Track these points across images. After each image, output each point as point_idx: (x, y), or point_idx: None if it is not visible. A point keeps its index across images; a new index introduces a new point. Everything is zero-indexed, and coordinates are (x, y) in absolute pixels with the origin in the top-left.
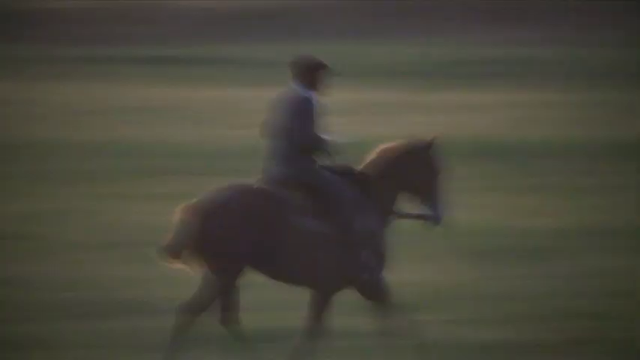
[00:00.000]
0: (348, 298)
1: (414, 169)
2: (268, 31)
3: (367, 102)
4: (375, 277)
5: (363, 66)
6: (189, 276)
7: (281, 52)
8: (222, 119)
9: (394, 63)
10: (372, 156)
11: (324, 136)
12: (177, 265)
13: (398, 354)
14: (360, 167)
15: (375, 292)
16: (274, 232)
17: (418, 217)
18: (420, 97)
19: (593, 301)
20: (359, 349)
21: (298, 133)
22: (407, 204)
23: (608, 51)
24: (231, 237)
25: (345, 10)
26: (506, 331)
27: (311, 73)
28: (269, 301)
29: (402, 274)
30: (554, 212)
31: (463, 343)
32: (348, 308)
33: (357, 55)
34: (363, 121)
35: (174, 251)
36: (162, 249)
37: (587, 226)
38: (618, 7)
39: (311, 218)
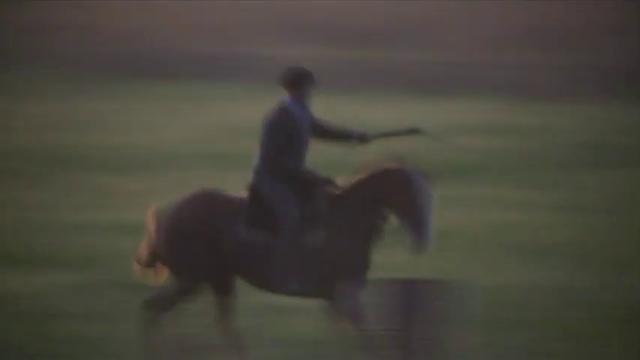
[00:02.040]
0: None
1: (400, 192)
2: None
3: None
4: (347, 290)
5: None
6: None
7: None
8: None
9: None
10: (360, 173)
11: (285, 161)
12: (146, 272)
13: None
14: (346, 182)
15: (345, 305)
16: (217, 241)
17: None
18: None
19: None
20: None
21: (264, 152)
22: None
23: None
24: (185, 246)
25: None
26: None
27: (298, 84)
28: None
29: None
30: None
31: None
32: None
33: None
34: None
35: (141, 259)
36: (134, 257)
37: None
38: None
39: (250, 228)
